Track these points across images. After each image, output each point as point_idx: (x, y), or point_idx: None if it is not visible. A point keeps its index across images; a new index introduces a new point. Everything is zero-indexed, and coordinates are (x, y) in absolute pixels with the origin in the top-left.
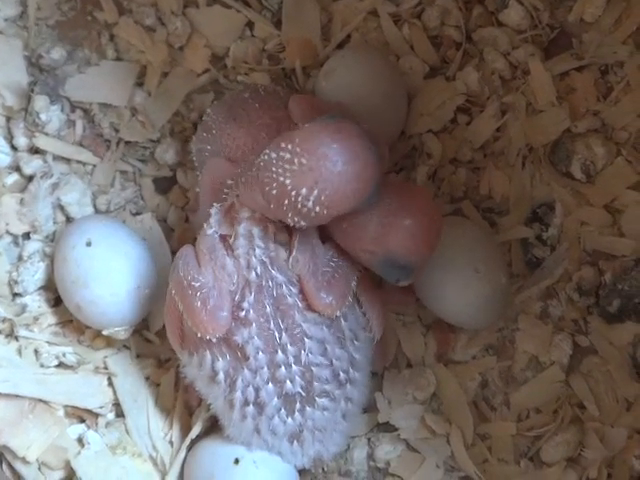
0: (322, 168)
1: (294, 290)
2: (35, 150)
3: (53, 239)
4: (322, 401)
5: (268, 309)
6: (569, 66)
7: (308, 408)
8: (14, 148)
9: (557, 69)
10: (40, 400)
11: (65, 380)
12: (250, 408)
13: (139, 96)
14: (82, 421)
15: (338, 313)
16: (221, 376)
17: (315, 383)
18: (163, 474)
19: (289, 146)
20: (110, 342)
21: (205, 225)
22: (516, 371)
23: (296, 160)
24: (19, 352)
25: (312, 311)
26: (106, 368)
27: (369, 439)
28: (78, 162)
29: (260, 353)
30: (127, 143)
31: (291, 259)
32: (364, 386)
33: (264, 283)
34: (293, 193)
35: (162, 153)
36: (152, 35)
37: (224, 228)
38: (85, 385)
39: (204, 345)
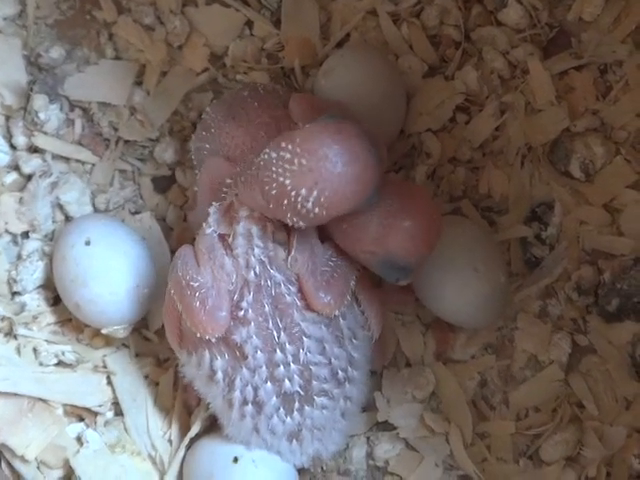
0: (322, 169)
1: (293, 289)
2: (34, 149)
3: (52, 238)
4: (321, 400)
5: (267, 308)
6: (568, 65)
7: (307, 407)
8: (13, 147)
9: (556, 68)
10: (39, 399)
11: (64, 379)
12: (249, 407)
13: (138, 95)
14: (81, 420)
15: (337, 312)
16: (220, 375)
17: (314, 382)
18: (162, 473)
19: (289, 146)
20: (109, 341)
21: (204, 224)
22: (515, 370)
23: (296, 160)
24: (18, 351)
25: (311, 310)
26: (105, 367)
27: (368, 438)
28: (77, 161)
29: (259, 352)
30: (126, 142)
31: (290, 258)
32: (363, 385)
33: (263, 282)
34: (293, 193)
35: (161, 152)
36: (151, 34)
37: (223, 227)
38: (84, 384)
39: (203, 344)
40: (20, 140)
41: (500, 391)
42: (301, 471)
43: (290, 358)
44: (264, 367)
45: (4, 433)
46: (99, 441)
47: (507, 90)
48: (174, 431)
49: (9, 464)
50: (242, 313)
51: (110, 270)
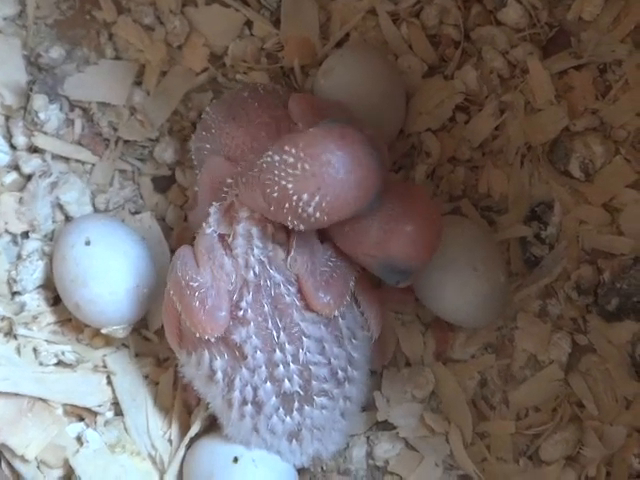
0: (325, 175)
1: (292, 289)
2: (34, 149)
3: (52, 238)
4: (320, 400)
5: (266, 308)
6: (568, 65)
7: (306, 407)
8: (13, 147)
9: (555, 68)
10: (39, 398)
11: (64, 378)
12: (248, 407)
13: (138, 95)
14: (81, 419)
15: (336, 313)
16: (219, 375)
17: (313, 382)
18: (162, 473)
19: (293, 150)
20: (109, 341)
21: (204, 224)
22: (515, 370)
23: (299, 165)
24: (18, 351)
25: (310, 310)
26: (105, 367)
27: (368, 437)
28: (77, 161)
29: (258, 352)
30: (126, 142)
31: (289, 259)
32: (363, 385)
33: (262, 282)
34: (294, 198)
35: (161, 152)
36: (151, 34)
37: (223, 227)
38: (84, 383)
39: (202, 344)
40: (20, 140)
41: (500, 391)
42: (301, 471)
43: (289, 358)
44: (263, 367)
45: (4, 433)
46: (99, 441)
47: (507, 89)
48: (174, 431)
49: (9, 464)
50: (241, 313)
51: (110, 270)
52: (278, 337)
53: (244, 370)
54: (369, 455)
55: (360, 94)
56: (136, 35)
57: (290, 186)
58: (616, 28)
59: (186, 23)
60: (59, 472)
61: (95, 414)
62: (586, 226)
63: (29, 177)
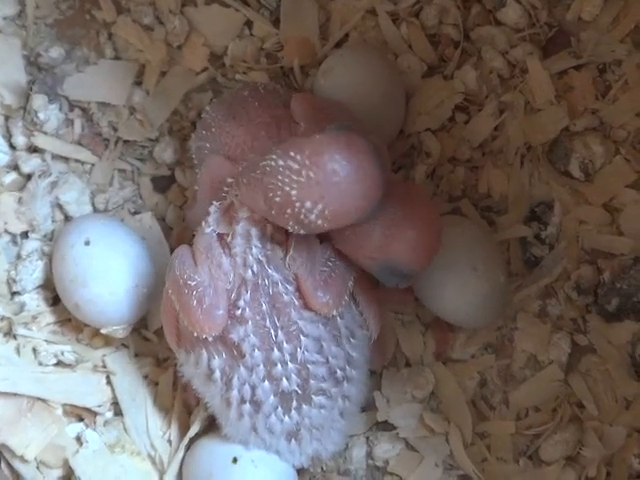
0: (329, 184)
1: (290, 288)
2: (33, 149)
3: (52, 238)
4: (319, 399)
5: (264, 307)
6: (567, 65)
7: (305, 406)
8: (12, 147)
9: (555, 68)
10: (38, 398)
11: (63, 379)
12: (247, 406)
13: (137, 95)
14: (80, 420)
15: (335, 312)
16: (217, 374)
17: (311, 381)
18: (161, 473)
19: (298, 157)
20: (108, 341)
21: (203, 223)
22: (515, 370)
23: (304, 172)
24: (17, 351)
25: (308, 309)
26: (104, 367)
27: (368, 438)
28: (77, 161)
29: (256, 351)
30: (125, 142)
31: (288, 258)
32: (362, 384)
33: (260, 281)
34: (297, 204)
35: (160, 152)
36: (150, 34)
37: (222, 227)
38: (83, 384)
39: (200, 343)
40: (19, 140)
41: (500, 391)
42: (301, 471)
43: (287, 357)
44: (261, 366)
45: (4, 433)
46: (98, 441)
47: (506, 89)
48: (173, 431)
49: (9, 464)
50: (239, 312)
51: (109, 270)
52: (276, 336)
53: (242, 369)
54: (369, 455)
55: (360, 94)
56: (136, 35)
57: (293, 192)
58: (615, 28)
59: (186, 23)
60: (59, 472)
61: (95, 414)
62: (586, 226)
63: (29, 177)
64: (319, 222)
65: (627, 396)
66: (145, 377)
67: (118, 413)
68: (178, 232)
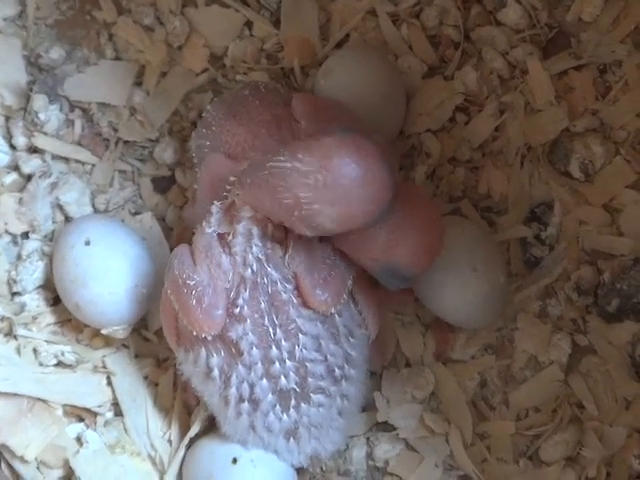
0: (339, 187)
1: (289, 287)
2: (34, 149)
3: (52, 238)
4: (317, 397)
5: (263, 305)
6: (567, 65)
7: (303, 404)
8: (13, 147)
9: (555, 68)
10: (39, 399)
11: (64, 379)
12: (245, 405)
13: (138, 95)
14: (81, 420)
15: (333, 310)
16: (216, 372)
17: (310, 379)
18: (162, 473)
19: (307, 159)
20: (109, 341)
21: (204, 223)
22: (515, 370)
23: (313, 175)
24: (18, 351)
25: (307, 307)
26: (105, 367)
27: (368, 438)
28: (77, 161)
29: (254, 349)
30: (126, 142)
31: (287, 256)
32: (361, 383)
33: (259, 280)
34: (305, 207)
35: (161, 152)
36: (151, 34)
37: (224, 226)
38: (84, 384)
39: (199, 342)
40: (20, 140)
41: (500, 391)
42: (301, 472)
43: (286, 355)
44: (260, 364)
45: (4, 433)
46: (99, 441)
47: (506, 90)
48: (174, 431)
49: (9, 464)
50: (238, 310)
51: (110, 270)
52: (274, 334)
53: (240, 367)
54: (369, 456)
55: (360, 95)
56: (136, 36)
57: (302, 195)
58: (616, 29)
59: (186, 24)
60: (59, 472)
61: (95, 415)
62: (586, 227)
63: (29, 177)
64: (327, 225)
65: (627, 396)
66: (145, 378)
67: (118, 413)
68: (178, 232)
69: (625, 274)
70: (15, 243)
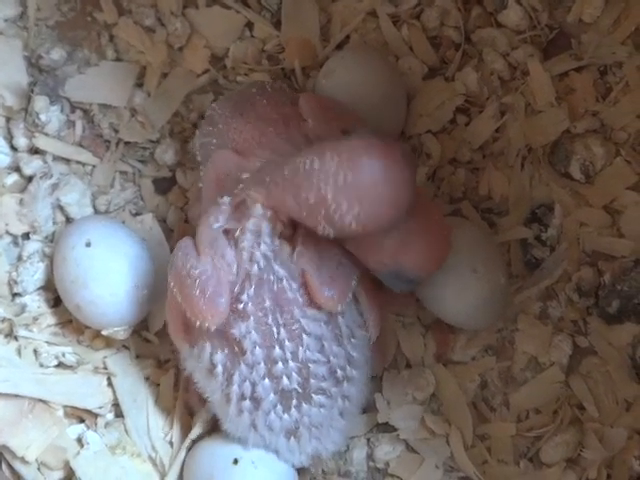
0: (368, 188)
1: (295, 285)
2: (35, 150)
3: (53, 239)
4: (319, 398)
5: (267, 303)
6: (568, 67)
7: (304, 405)
8: (14, 148)
9: (556, 70)
10: (39, 400)
11: (64, 380)
12: (247, 403)
13: (139, 97)
14: (81, 421)
15: (339, 308)
16: (219, 369)
17: (312, 380)
18: (162, 474)
19: (336, 159)
20: (109, 342)
21: (211, 217)
22: (515, 372)
23: (341, 175)
24: (18, 352)
25: (312, 307)
26: (105, 368)
27: (368, 439)
28: (78, 163)
29: (257, 348)
30: (127, 144)
31: (296, 253)
32: (362, 384)
33: (265, 277)
34: (333, 207)
35: (162, 154)
36: (152, 36)
37: (231, 222)
38: (84, 385)
39: (204, 337)
40: (21, 141)
41: (500, 393)
42: (301, 472)
43: (289, 355)
44: (262, 363)
45: (5, 434)
46: (100, 442)
47: (507, 91)
48: (175, 433)
49: (9, 465)
50: (242, 306)
51: (110, 271)
52: (278, 334)
53: (243, 366)
54: (369, 457)
55: (361, 96)
56: (137, 37)
57: (330, 195)
58: (616, 30)
59: (187, 25)
60: (60, 474)
61: (96, 416)
62: (587, 228)
63: (30, 178)
64: (353, 225)
65: (628, 398)
66: (146, 379)
67: (119, 415)
68: (179, 234)
69: (626, 275)
70: (16, 244)
